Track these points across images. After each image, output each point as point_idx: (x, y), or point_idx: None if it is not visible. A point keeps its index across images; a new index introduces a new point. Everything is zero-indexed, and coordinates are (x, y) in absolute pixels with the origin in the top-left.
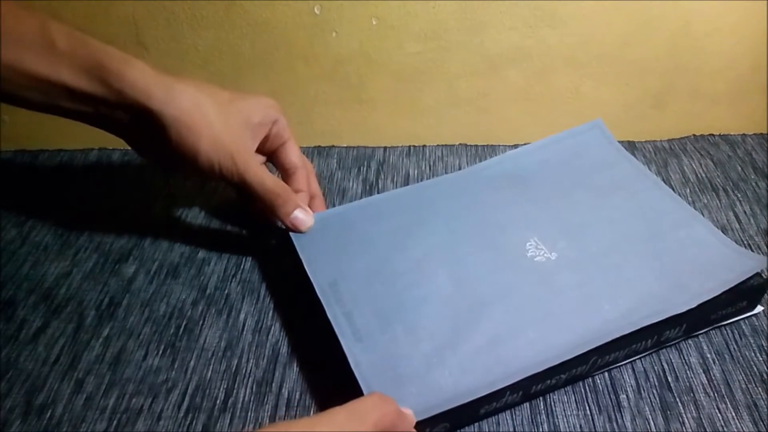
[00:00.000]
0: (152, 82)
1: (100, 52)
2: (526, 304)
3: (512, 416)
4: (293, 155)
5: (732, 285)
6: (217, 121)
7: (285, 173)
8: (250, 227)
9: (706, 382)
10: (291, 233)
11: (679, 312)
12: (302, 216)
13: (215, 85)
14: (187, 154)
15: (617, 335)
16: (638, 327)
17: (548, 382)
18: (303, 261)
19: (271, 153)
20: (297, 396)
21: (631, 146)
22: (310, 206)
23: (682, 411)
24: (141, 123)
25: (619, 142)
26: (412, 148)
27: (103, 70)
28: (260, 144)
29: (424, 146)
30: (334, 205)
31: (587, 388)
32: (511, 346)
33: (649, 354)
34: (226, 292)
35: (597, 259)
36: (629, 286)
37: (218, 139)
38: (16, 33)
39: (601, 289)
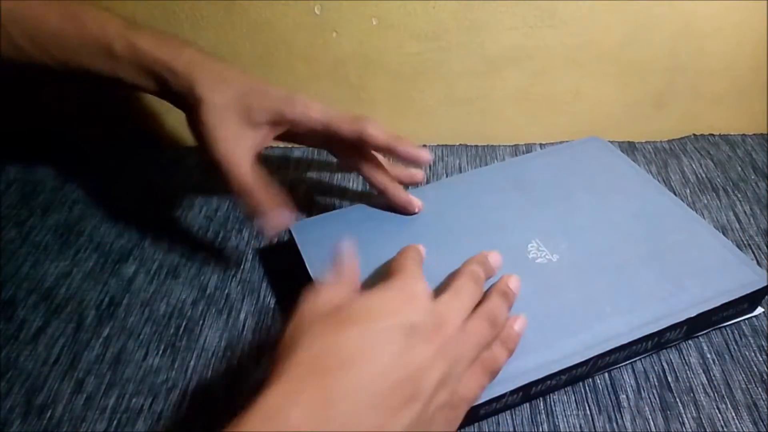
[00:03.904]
0: (196, 89)
1: (149, 59)
2: (528, 305)
3: (512, 416)
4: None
5: (732, 298)
6: (230, 120)
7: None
8: (250, 227)
9: (706, 382)
10: (293, 232)
11: (679, 320)
12: (273, 222)
13: (246, 74)
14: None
15: (618, 344)
16: (639, 336)
17: (548, 383)
18: (305, 261)
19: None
20: None
21: (631, 147)
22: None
23: (682, 411)
24: (186, 105)
25: (619, 142)
26: None
27: (155, 76)
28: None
29: (424, 146)
30: (334, 206)
31: (587, 388)
32: None
33: (649, 354)
34: (226, 292)
35: (598, 261)
36: (630, 288)
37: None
38: (82, 40)
39: (603, 291)
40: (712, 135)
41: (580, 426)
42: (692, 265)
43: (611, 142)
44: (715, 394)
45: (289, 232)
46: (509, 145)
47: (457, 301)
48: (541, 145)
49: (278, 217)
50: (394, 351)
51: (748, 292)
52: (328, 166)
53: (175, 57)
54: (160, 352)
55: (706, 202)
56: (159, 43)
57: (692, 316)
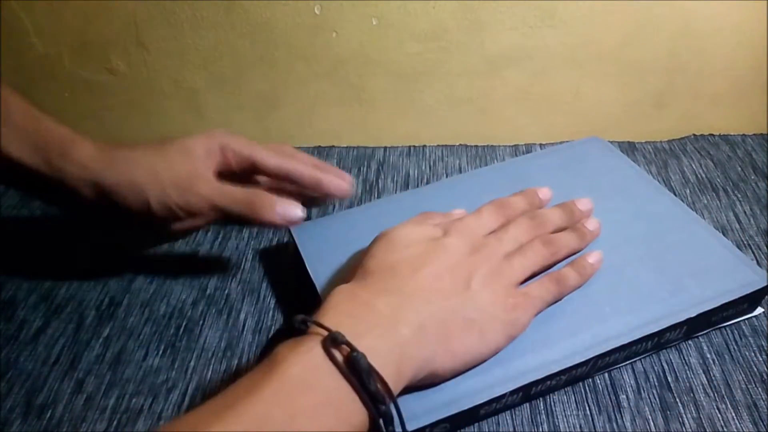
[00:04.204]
0: (92, 156)
1: (51, 131)
2: None
3: (512, 416)
4: (269, 163)
5: (733, 298)
6: (161, 169)
7: (276, 179)
8: (250, 227)
9: (706, 382)
10: (293, 233)
11: (679, 321)
12: (286, 209)
13: (155, 142)
14: (140, 210)
15: (618, 344)
16: (639, 336)
17: (548, 383)
18: (305, 261)
19: (246, 175)
20: None
21: (631, 147)
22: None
23: (682, 411)
24: (85, 196)
25: (619, 142)
26: (412, 148)
27: (49, 149)
28: (226, 171)
29: (424, 146)
30: (334, 206)
31: (587, 388)
32: (512, 348)
33: (649, 355)
34: (226, 292)
35: None
36: (630, 288)
37: (167, 184)
38: None
39: (602, 291)
40: (712, 135)
41: (580, 426)
42: (692, 266)
43: (611, 142)
44: (715, 394)
45: (289, 232)
46: (509, 145)
47: (474, 218)
48: (541, 145)
49: (283, 209)
50: (435, 263)
51: (748, 292)
52: None
53: (79, 135)
54: (160, 352)
55: (706, 202)
56: (58, 123)
57: (692, 316)
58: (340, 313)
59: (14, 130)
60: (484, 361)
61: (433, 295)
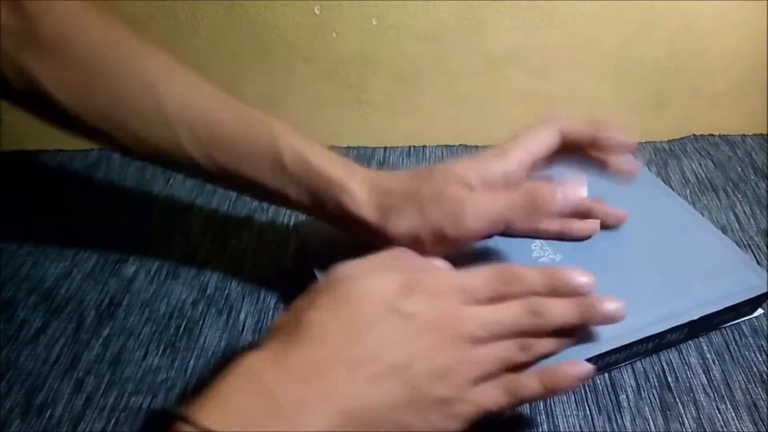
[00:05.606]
0: (364, 207)
1: (320, 177)
2: None
3: (512, 417)
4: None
5: (736, 302)
6: (433, 211)
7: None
8: (250, 227)
9: (706, 382)
10: (299, 232)
11: (681, 323)
12: (568, 193)
13: (422, 176)
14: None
15: (619, 344)
16: (641, 337)
17: None
18: (310, 260)
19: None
20: None
21: None
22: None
23: (682, 411)
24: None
25: None
26: (412, 148)
27: (321, 195)
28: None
29: (424, 146)
30: None
31: (587, 388)
32: None
33: (649, 355)
34: (226, 292)
35: (601, 261)
36: (633, 289)
37: (439, 220)
38: (251, 147)
39: (605, 291)
40: (712, 135)
41: (580, 426)
42: (696, 268)
43: None
44: (715, 394)
45: (296, 229)
46: None
47: (464, 279)
48: None
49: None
50: (381, 333)
51: (752, 296)
52: None
53: (349, 177)
54: (160, 351)
55: (706, 202)
56: (330, 160)
57: (694, 319)
58: (229, 404)
59: (290, 177)
60: None
61: (360, 389)
